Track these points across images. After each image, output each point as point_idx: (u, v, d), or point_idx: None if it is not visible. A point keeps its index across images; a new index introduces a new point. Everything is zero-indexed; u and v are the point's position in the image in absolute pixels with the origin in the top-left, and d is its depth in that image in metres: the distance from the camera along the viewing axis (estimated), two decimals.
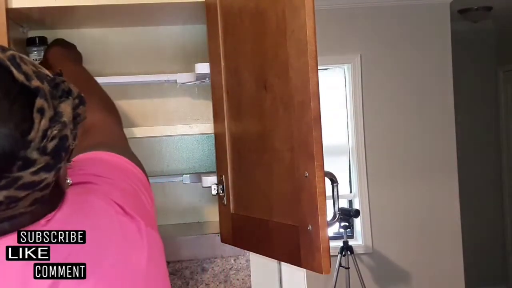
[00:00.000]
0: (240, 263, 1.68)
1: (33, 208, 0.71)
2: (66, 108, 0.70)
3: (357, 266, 3.98)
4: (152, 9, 1.49)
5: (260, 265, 1.67)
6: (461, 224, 4.48)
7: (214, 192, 1.42)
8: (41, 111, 0.67)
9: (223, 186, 1.39)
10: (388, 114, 4.44)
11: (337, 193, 2.11)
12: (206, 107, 1.69)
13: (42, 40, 1.56)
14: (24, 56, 0.72)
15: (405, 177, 4.46)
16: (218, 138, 1.42)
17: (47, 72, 0.74)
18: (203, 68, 1.47)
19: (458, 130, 4.51)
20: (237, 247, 1.40)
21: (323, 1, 4.13)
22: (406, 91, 4.44)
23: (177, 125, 1.59)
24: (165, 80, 1.63)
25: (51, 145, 0.68)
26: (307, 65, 1.01)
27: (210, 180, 1.45)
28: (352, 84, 4.46)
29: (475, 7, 4.66)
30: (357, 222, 4.48)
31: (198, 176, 1.57)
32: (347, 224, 3.97)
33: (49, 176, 0.69)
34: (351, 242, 4.08)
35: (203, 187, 1.49)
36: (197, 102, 1.71)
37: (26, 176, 0.66)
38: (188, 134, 1.64)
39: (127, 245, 0.82)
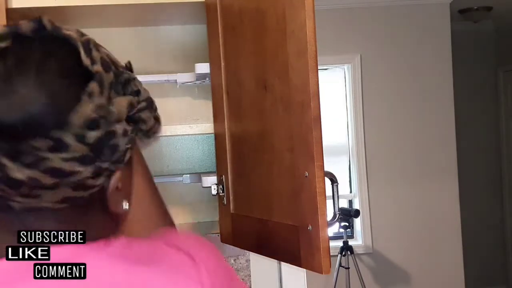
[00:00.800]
0: (240, 263, 1.68)
1: (61, 206, 0.64)
2: (121, 102, 0.64)
3: (357, 266, 3.98)
4: (152, 9, 1.49)
5: (260, 265, 1.67)
6: (461, 225, 4.48)
7: (214, 192, 1.42)
8: (91, 95, 0.62)
9: (223, 186, 1.39)
10: (388, 114, 4.45)
11: (337, 193, 2.12)
12: (206, 107, 1.69)
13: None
14: (101, 46, 0.69)
15: (405, 177, 4.46)
16: (218, 138, 1.42)
17: (121, 65, 0.70)
18: (203, 68, 1.47)
19: (458, 130, 4.51)
20: (237, 247, 1.40)
21: (323, 1, 4.13)
22: (406, 91, 4.45)
23: (177, 125, 1.59)
24: (165, 80, 1.63)
25: (92, 135, 0.61)
26: (307, 65, 1.01)
27: (210, 180, 1.45)
28: (352, 84, 4.46)
29: (475, 7, 4.66)
30: (357, 222, 4.48)
31: (198, 176, 1.57)
32: (347, 224, 3.97)
33: (84, 171, 0.62)
34: (351, 242, 4.08)
35: (203, 187, 1.49)
36: (197, 102, 1.71)
37: (55, 159, 0.60)
38: (188, 134, 1.64)
39: None
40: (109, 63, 0.66)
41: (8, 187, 0.61)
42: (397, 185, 4.46)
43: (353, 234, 4.55)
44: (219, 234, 1.44)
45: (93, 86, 0.62)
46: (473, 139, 5.36)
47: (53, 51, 0.64)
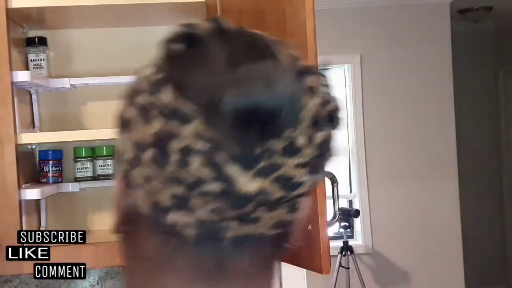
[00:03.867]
0: None
1: (272, 234, 0.48)
2: (335, 101, 0.49)
3: (357, 266, 3.98)
4: (152, 9, 1.49)
5: None
6: (461, 225, 4.48)
7: None
8: (312, 90, 0.48)
9: None
10: (388, 114, 4.45)
11: (337, 193, 2.11)
12: None
13: (42, 40, 1.56)
14: None
15: (405, 177, 4.46)
16: None
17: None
18: None
19: (458, 130, 4.51)
20: None
21: (323, 1, 4.13)
22: (406, 91, 4.45)
23: None
24: None
25: (320, 136, 0.47)
26: None
27: None
28: (352, 84, 4.46)
29: (475, 7, 4.66)
30: (357, 222, 4.49)
31: None
32: (347, 224, 3.97)
33: (307, 182, 0.47)
34: (351, 242, 4.08)
35: None
36: None
37: (290, 166, 0.45)
38: None
39: None
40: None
41: (228, 205, 0.45)
42: (397, 185, 4.46)
43: (353, 234, 4.55)
44: None
45: (312, 80, 0.49)
46: (473, 139, 5.36)
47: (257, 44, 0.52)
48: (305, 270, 1.55)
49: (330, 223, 2.27)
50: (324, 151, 0.48)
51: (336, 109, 0.49)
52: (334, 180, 2.21)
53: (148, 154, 0.45)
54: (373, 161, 4.46)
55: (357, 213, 3.87)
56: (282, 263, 1.63)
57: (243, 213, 0.45)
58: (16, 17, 1.44)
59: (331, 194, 2.01)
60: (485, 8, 4.66)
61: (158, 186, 0.45)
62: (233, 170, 0.44)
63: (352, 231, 4.54)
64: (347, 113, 4.54)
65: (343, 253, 3.95)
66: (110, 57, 1.64)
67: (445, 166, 4.45)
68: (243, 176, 0.44)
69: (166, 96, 0.46)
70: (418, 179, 4.46)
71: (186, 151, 0.44)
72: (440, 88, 4.44)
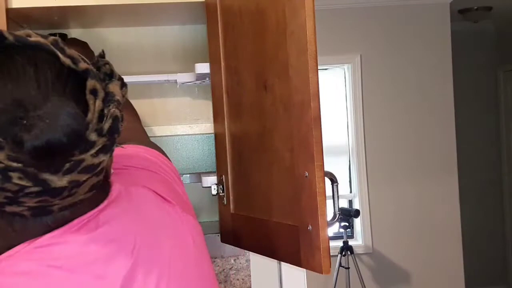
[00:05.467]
0: (240, 263, 1.68)
1: (90, 194, 0.70)
2: (115, 88, 0.70)
3: (357, 266, 3.98)
4: (152, 9, 1.49)
5: (260, 265, 1.67)
6: (461, 224, 4.48)
7: (214, 192, 1.42)
8: (94, 92, 0.67)
9: (223, 186, 1.39)
10: (388, 114, 4.44)
11: (337, 193, 2.11)
12: (206, 107, 1.69)
13: (62, 36, 1.56)
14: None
15: (405, 177, 4.46)
16: (218, 138, 1.42)
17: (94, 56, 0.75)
18: (203, 68, 1.47)
19: (458, 130, 4.51)
20: (237, 247, 1.40)
21: (323, 1, 4.13)
22: (406, 91, 4.45)
23: (177, 125, 1.59)
24: (165, 80, 1.63)
25: (106, 126, 0.66)
26: (307, 65, 1.01)
27: (210, 180, 1.45)
28: (352, 84, 4.46)
29: (475, 7, 4.66)
30: (357, 222, 4.48)
31: (198, 176, 1.57)
32: (347, 224, 3.97)
33: (106, 159, 0.68)
34: (351, 242, 4.08)
35: (203, 187, 1.49)
36: (197, 102, 1.71)
37: (88, 158, 0.65)
38: (188, 134, 1.64)
39: (174, 232, 0.82)
40: (83, 57, 0.71)
41: (50, 196, 0.65)
42: (397, 185, 4.46)
43: (353, 234, 4.55)
44: (219, 234, 1.44)
45: (92, 83, 0.67)
46: (473, 139, 5.36)
47: (37, 61, 0.66)
48: (305, 270, 1.55)
49: (330, 223, 2.27)
50: (113, 132, 0.67)
51: (114, 94, 0.69)
52: (334, 180, 2.21)
53: None
54: (373, 161, 4.46)
55: (357, 213, 3.87)
56: (282, 263, 1.64)
57: (63, 197, 0.66)
58: (16, 17, 1.44)
59: (331, 194, 2.01)
60: (485, 8, 4.66)
61: None
62: (45, 176, 0.62)
63: (352, 231, 4.54)
64: (347, 113, 4.54)
65: (343, 253, 3.95)
66: (110, 57, 1.64)
67: (445, 166, 4.45)
68: (54, 178, 0.63)
69: None
70: (418, 179, 4.46)
71: (5, 170, 0.61)
72: (440, 88, 4.44)
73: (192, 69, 1.52)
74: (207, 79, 1.53)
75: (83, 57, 0.71)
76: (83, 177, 0.66)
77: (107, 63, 0.74)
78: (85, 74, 0.67)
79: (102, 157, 0.67)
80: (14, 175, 0.62)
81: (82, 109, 0.65)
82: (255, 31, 1.20)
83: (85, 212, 0.72)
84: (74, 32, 1.63)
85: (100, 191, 0.74)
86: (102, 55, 0.75)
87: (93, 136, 0.65)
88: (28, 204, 0.65)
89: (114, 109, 0.67)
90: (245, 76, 1.26)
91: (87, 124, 0.65)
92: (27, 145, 0.61)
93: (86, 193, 0.69)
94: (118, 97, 0.69)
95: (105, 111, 0.67)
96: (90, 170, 0.66)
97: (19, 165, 0.62)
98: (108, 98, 0.68)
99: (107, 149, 0.67)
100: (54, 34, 1.57)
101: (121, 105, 0.69)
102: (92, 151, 0.65)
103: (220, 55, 1.36)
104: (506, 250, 5.50)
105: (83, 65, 0.68)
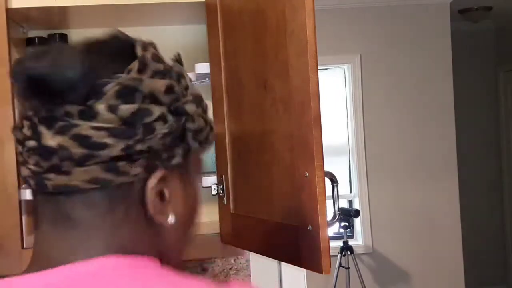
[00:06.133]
0: (240, 263, 1.68)
1: (91, 187, 0.60)
2: (158, 82, 0.62)
3: (357, 266, 3.98)
4: (152, 9, 1.49)
5: (260, 265, 1.67)
6: (461, 225, 4.48)
7: (214, 192, 1.42)
8: (129, 71, 0.62)
9: (223, 186, 1.39)
10: (388, 114, 4.45)
11: (337, 193, 2.11)
12: None
13: (42, 40, 1.56)
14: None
15: (405, 177, 4.46)
16: (218, 138, 1.41)
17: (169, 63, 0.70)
18: (203, 68, 1.47)
19: (458, 130, 4.51)
20: (237, 247, 1.40)
21: (323, 1, 4.13)
22: (406, 91, 4.45)
23: None
24: None
25: (125, 108, 0.59)
26: (307, 65, 1.01)
27: (210, 180, 1.45)
28: (352, 84, 4.46)
29: (475, 7, 4.66)
30: (357, 222, 4.49)
31: None
32: (347, 224, 3.97)
33: (114, 144, 0.58)
34: (351, 242, 4.08)
35: (203, 187, 1.49)
36: None
37: (84, 127, 0.58)
38: None
39: None
40: (160, 58, 0.67)
41: (41, 157, 0.59)
42: (397, 185, 4.46)
43: (353, 234, 4.55)
44: (219, 234, 1.44)
45: (134, 64, 0.63)
46: (473, 139, 5.36)
47: (108, 38, 0.69)
48: (305, 270, 1.55)
49: (330, 223, 2.27)
50: (135, 122, 0.59)
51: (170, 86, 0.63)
52: (334, 180, 2.21)
53: None
54: (373, 161, 4.46)
55: (357, 213, 3.87)
56: (282, 263, 1.64)
57: (53, 165, 0.59)
58: (16, 17, 1.44)
59: (331, 194, 2.01)
60: (485, 8, 4.67)
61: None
62: (41, 129, 0.59)
63: (352, 231, 4.54)
64: (347, 113, 4.54)
65: (343, 253, 3.95)
66: None
67: (445, 166, 4.45)
68: (47, 134, 0.59)
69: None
70: (418, 179, 4.46)
71: (22, 117, 0.61)
72: (440, 88, 4.44)
73: (192, 69, 1.52)
74: (207, 79, 1.53)
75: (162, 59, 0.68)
76: (77, 149, 0.58)
77: (184, 74, 0.69)
78: (143, 60, 0.65)
79: (107, 139, 0.58)
80: (25, 123, 0.60)
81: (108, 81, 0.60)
82: (255, 31, 1.20)
83: (84, 214, 0.61)
84: (74, 32, 1.63)
85: (117, 214, 0.62)
86: (178, 60, 0.71)
87: (101, 108, 0.58)
88: (30, 166, 0.61)
89: (138, 96, 0.60)
90: (245, 76, 1.26)
91: (102, 94, 0.59)
92: (15, 74, 0.59)
93: (85, 182, 0.59)
94: (155, 91, 0.62)
95: (126, 92, 0.60)
96: (86, 144, 0.58)
97: (30, 112, 0.60)
98: (140, 82, 0.61)
99: (117, 133, 0.58)
100: (54, 34, 1.56)
101: (152, 100, 0.61)
102: (94, 123, 0.58)
103: (220, 55, 1.36)
104: (506, 250, 5.50)
105: (142, 52, 0.67)
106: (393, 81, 4.44)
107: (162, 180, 0.63)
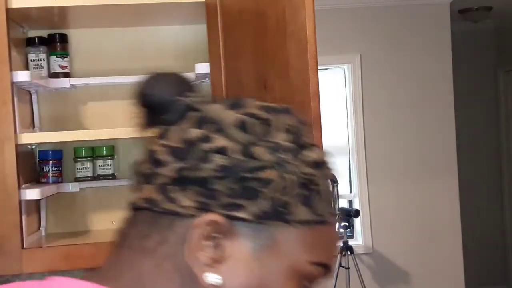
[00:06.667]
0: None
1: (142, 205, 0.57)
2: (229, 115, 0.57)
3: (357, 266, 3.98)
4: (152, 9, 1.49)
5: None
6: (461, 224, 4.48)
7: None
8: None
9: None
10: (388, 114, 4.45)
11: (337, 193, 2.11)
12: None
13: (42, 40, 1.56)
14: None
15: (405, 177, 4.46)
16: None
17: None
18: (203, 68, 1.47)
19: (458, 130, 4.51)
20: None
21: (323, 1, 4.13)
22: (406, 91, 4.45)
23: None
24: None
25: (191, 131, 0.57)
26: (307, 65, 1.01)
27: None
28: (352, 84, 4.46)
29: (475, 7, 4.66)
30: (357, 222, 4.48)
31: None
32: (347, 224, 3.97)
33: (170, 162, 0.56)
34: (351, 242, 4.08)
35: None
36: None
37: (157, 143, 0.59)
38: None
39: None
40: (295, 130, 0.59)
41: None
42: (397, 185, 4.46)
43: (353, 234, 4.55)
44: None
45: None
46: (473, 139, 5.36)
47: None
48: None
49: None
50: (194, 145, 0.55)
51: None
52: (334, 180, 2.21)
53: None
54: (373, 161, 4.46)
55: (357, 213, 3.87)
56: None
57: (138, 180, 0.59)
58: (16, 17, 1.44)
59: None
60: (485, 8, 4.66)
61: None
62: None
63: (352, 231, 4.54)
64: (347, 113, 4.54)
65: (343, 253, 3.94)
66: (110, 57, 1.65)
67: (445, 166, 4.45)
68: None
69: None
70: (418, 179, 4.46)
71: None
72: (440, 88, 4.44)
73: (192, 69, 1.52)
74: (207, 79, 1.53)
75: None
76: (146, 164, 0.59)
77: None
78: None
79: (167, 157, 0.56)
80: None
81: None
82: (255, 31, 1.20)
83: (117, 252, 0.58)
84: (74, 32, 1.63)
85: (152, 243, 0.56)
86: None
87: (173, 128, 0.59)
88: None
89: (215, 128, 0.57)
90: (245, 76, 1.26)
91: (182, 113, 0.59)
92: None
93: (140, 200, 0.57)
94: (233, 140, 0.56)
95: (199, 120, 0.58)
96: (151, 160, 0.58)
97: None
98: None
99: (177, 154, 0.56)
100: (54, 34, 1.56)
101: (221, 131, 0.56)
102: (163, 140, 0.58)
103: (220, 55, 1.36)
104: (506, 250, 5.50)
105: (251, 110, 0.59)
106: (393, 81, 4.44)
107: (215, 224, 0.53)
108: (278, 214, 0.53)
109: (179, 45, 1.69)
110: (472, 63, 5.35)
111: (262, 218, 0.53)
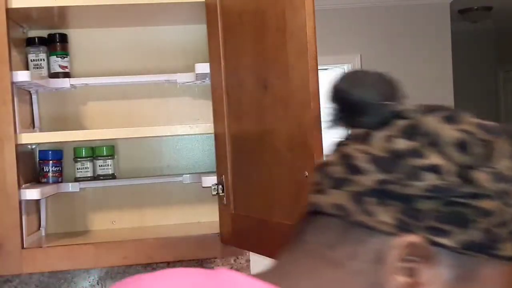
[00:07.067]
0: (240, 263, 1.68)
1: (332, 212, 0.53)
2: (449, 133, 0.52)
3: None
4: (152, 9, 1.49)
5: (260, 265, 1.67)
6: None
7: (214, 192, 1.42)
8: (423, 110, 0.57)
9: (223, 186, 1.39)
10: None
11: None
12: (206, 107, 1.69)
13: (42, 40, 1.56)
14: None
15: None
16: (218, 138, 1.42)
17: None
18: (203, 68, 1.47)
19: None
20: (237, 247, 1.40)
21: (323, 1, 4.13)
22: (406, 91, 4.44)
23: (177, 125, 1.59)
24: (165, 80, 1.63)
25: (401, 142, 0.52)
26: (307, 65, 1.01)
27: (210, 180, 1.45)
28: None
29: (475, 7, 4.66)
30: None
31: (198, 176, 1.57)
32: None
33: (371, 171, 0.51)
34: None
35: (203, 187, 1.49)
36: (197, 102, 1.71)
37: (352, 148, 0.54)
38: (188, 134, 1.64)
39: None
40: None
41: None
42: None
43: None
44: (219, 234, 1.44)
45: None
46: None
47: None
48: None
49: None
50: (403, 159, 0.50)
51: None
52: None
53: None
54: None
55: None
56: None
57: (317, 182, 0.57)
58: (16, 17, 1.44)
59: None
60: (485, 8, 4.67)
61: None
62: None
63: None
64: None
65: None
66: (110, 57, 1.65)
67: None
68: None
69: None
70: None
71: None
72: (440, 87, 4.45)
73: (192, 69, 1.52)
74: (207, 79, 1.53)
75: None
76: (338, 166, 0.54)
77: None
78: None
79: (368, 166, 0.52)
80: None
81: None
82: (255, 31, 1.20)
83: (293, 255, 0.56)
84: (74, 32, 1.63)
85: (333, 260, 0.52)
86: None
87: (378, 134, 0.53)
88: None
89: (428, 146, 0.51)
90: (245, 76, 1.26)
91: (388, 120, 0.54)
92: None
93: (330, 206, 0.53)
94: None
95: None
96: (346, 164, 0.53)
97: None
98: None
99: (378, 164, 0.51)
100: (54, 34, 1.57)
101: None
102: (361, 145, 0.53)
103: (220, 55, 1.36)
104: None
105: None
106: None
107: (415, 247, 0.49)
108: (487, 247, 0.50)
109: (179, 45, 1.70)
110: (472, 63, 5.35)
111: (468, 248, 0.49)
